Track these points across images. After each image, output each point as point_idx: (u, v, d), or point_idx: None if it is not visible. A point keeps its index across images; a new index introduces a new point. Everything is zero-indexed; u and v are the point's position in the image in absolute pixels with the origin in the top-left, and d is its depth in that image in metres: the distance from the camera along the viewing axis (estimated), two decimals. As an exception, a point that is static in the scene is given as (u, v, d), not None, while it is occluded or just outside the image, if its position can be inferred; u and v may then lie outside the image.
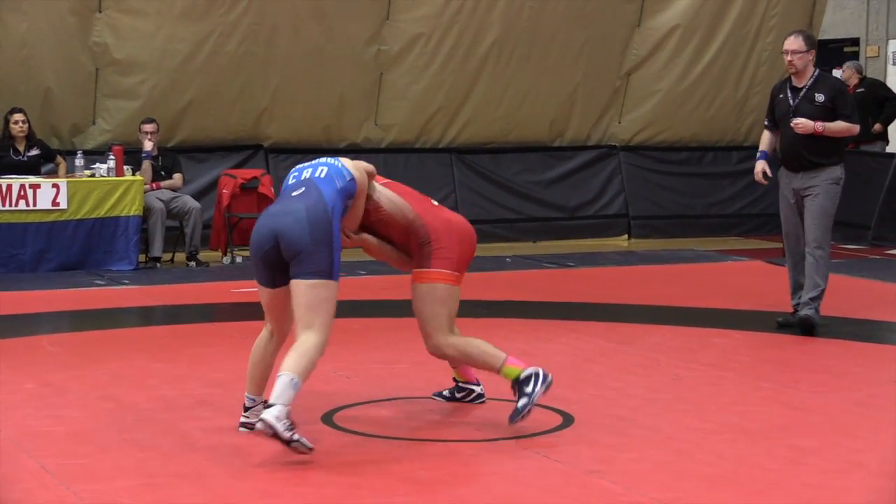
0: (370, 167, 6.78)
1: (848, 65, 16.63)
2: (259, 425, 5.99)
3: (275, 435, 5.98)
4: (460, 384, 7.29)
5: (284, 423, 5.98)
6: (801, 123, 9.39)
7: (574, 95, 15.84)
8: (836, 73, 19.15)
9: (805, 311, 9.44)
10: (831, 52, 19.08)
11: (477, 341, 6.79)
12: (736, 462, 6.22)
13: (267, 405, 6.05)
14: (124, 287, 11.78)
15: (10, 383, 7.82)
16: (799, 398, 7.56)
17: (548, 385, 6.69)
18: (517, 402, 6.66)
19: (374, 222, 6.81)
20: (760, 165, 9.88)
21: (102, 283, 11.98)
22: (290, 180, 6.58)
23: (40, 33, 13.65)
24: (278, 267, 6.32)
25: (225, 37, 14.22)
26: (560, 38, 15.52)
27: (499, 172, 15.73)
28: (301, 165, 6.67)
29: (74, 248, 12.66)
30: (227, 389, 7.53)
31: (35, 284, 11.79)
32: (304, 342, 6.16)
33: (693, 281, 12.57)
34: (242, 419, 6.68)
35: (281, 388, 6.02)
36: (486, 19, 15.17)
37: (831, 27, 18.44)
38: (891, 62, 18.24)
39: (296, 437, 6.01)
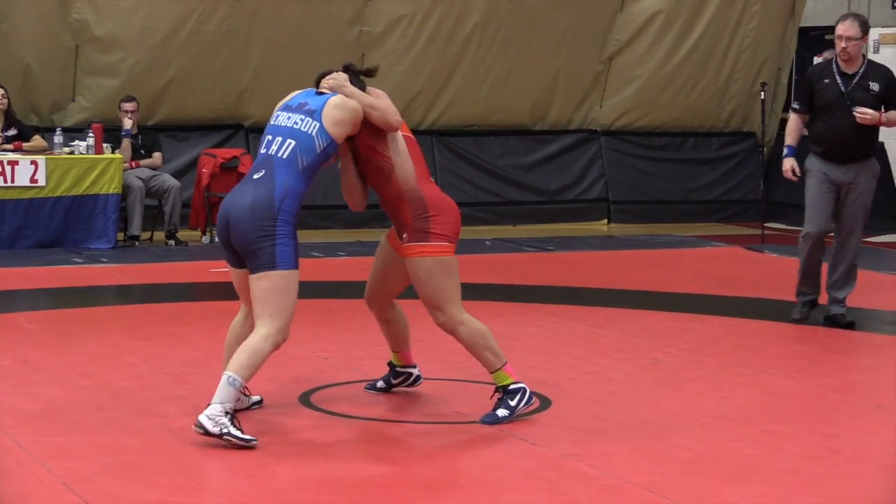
0: (374, 100, 6.49)
1: (831, 52, 16.60)
2: (193, 426, 6.02)
3: (207, 433, 5.99)
4: (398, 369, 7.12)
5: (216, 420, 5.99)
6: (871, 115, 9.01)
7: (556, 79, 15.83)
8: (817, 60, 19.18)
9: (844, 313, 9.25)
10: (812, 40, 19.07)
11: (488, 333, 6.61)
12: (713, 447, 6.23)
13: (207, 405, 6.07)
14: (102, 265, 11.73)
15: (-13, 360, 7.80)
16: (777, 384, 7.58)
17: (529, 404, 6.60)
18: (497, 408, 6.56)
19: (372, 167, 6.57)
20: (789, 163, 9.43)
21: (80, 261, 11.93)
22: (263, 147, 6.40)
23: (20, 9, 13.57)
24: (237, 251, 6.31)
25: (206, 15, 14.16)
26: (542, 22, 15.50)
27: (480, 155, 15.72)
28: (280, 120, 6.43)
29: (53, 226, 12.59)
30: (204, 369, 7.51)
31: (13, 262, 11.73)
32: (251, 338, 6.17)
33: (672, 266, 12.58)
34: None
35: (219, 388, 6.06)
36: (469, 2, 15.13)
37: (813, 14, 18.43)
38: (872, 50, 18.25)
39: (226, 430, 5.98)
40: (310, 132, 6.36)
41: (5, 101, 12.91)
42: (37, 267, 11.51)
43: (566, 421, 6.62)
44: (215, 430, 5.98)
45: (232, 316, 6.69)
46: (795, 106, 9.52)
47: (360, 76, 6.65)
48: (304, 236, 13.74)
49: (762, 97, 15.06)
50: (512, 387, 6.59)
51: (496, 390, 6.63)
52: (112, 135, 13.22)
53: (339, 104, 6.44)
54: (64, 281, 10.92)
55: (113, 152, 13.00)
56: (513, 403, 6.55)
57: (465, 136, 15.72)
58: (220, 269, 11.26)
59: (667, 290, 10.98)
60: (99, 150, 12.83)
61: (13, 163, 12.40)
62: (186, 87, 14.30)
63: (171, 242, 13.18)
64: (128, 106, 13.44)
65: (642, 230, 15.28)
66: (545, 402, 6.94)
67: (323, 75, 6.62)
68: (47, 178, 12.52)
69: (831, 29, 19.58)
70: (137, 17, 13.94)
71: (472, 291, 10.33)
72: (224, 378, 6.07)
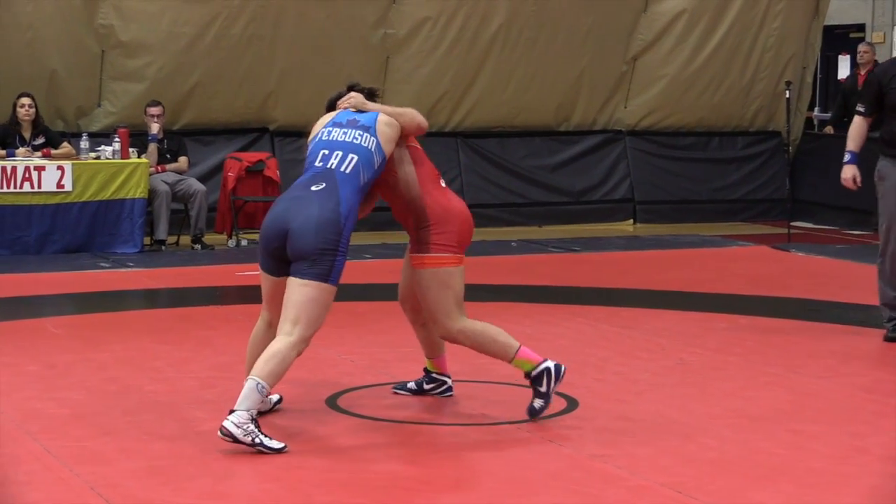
0: (400, 120, 6.56)
1: (865, 45, 16.46)
2: (219, 432, 5.99)
3: (235, 441, 5.96)
4: (433, 375, 7.11)
5: (245, 429, 5.96)
6: None
7: (580, 80, 15.82)
8: (843, 59, 19.14)
9: None
10: (837, 38, 19.04)
11: (489, 329, 6.63)
12: (740, 447, 6.21)
13: (231, 411, 6.04)
14: (129, 270, 11.77)
15: (15, 365, 7.83)
16: (803, 383, 7.55)
17: (560, 378, 6.60)
18: (533, 399, 6.59)
19: (379, 179, 6.56)
20: (851, 171, 8.87)
21: (107, 265, 11.97)
22: (318, 160, 6.38)
23: (46, 15, 13.64)
24: (285, 259, 6.27)
25: (231, 19, 14.20)
26: (566, 22, 15.49)
27: (505, 157, 15.71)
28: (334, 136, 6.44)
29: (79, 231, 12.64)
30: (231, 372, 7.52)
31: (40, 267, 11.79)
32: (276, 343, 6.15)
33: (698, 266, 12.56)
34: None
35: (245, 394, 6.02)
36: (493, 3, 15.15)
37: (837, 13, 18.41)
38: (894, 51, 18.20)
39: (258, 440, 5.97)
40: (369, 148, 6.41)
41: (32, 110, 12.91)
42: (64, 272, 11.56)
43: (593, 422, 6.62)
44: (246, 438, 5.95)
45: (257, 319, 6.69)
46: (860, 109, 8.93)
47: (372, 94, 6.71)
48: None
49: (787, 96, 15.02)
50: (535, 373, 6.58)
51: (525, 377, 6.64)
52: (138, 139, 13.27)
53: (388, 122, 6.52)
54: (91, 285, 10.97)
55: (139, 157, 13.05)
56: (543, 389, 6.57)
57: (490, 137, 15.72)
58: (246, 273, 11.33)
59: (693, 289, 10.96)
60: (125, 155, 12.88)
61: (40, 168, 12.46)
62: (212, 90, 14.34)
63: (197, 246, 13.21)
64: (153, 110, 13.48)
65: (668, 230, 15.25)
66: (572, 403, 6.93)
67: (335, 99, 6.71)
68: (74, 184, 12.58)
69: (855, 27, 19.60)
70: (163, 22, 13.99)
71: (498, 293, 10.37)
72: (251, 384, 6.03)
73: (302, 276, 6.16)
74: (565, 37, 15.55)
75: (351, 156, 6.37)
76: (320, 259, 6.14)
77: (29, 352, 8.23)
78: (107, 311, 9.92)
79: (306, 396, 7.08)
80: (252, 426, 5.98)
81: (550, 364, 6.60)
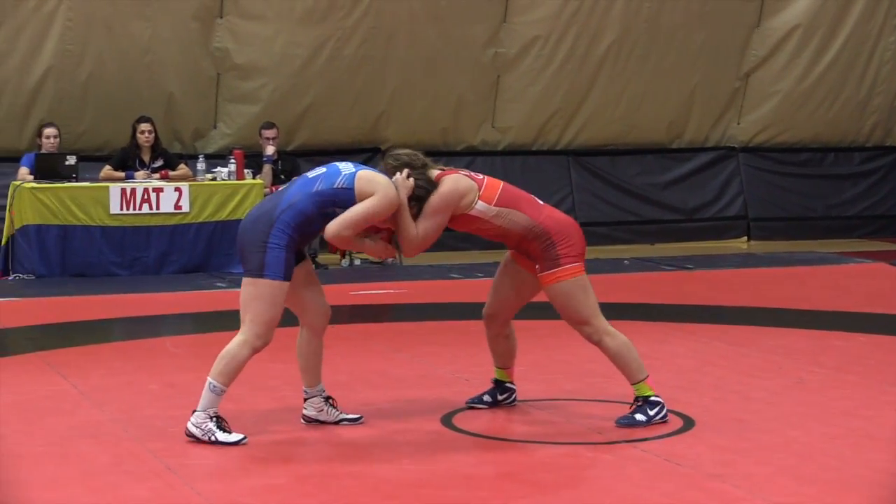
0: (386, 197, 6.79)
1: None
2: (185, 433, 6.46)
3: (197, 440, 6.41)
4: (505, 385, 7.30)
5: (202, 428, 6.43)
6: None
7: (692, 96, 15.74)
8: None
9: None
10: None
11: (632, 346, 6.91)
12: (860, 467, 6.13)
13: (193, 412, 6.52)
14: (245, 289, 11.87)
15: (136, 384, 7.95)
16: (925, 403, 7.44)
17: (663, 422, 6.83)
18: (635, 412, 6.82)
19: (487, 234, 6.91)
20: None
21: (224, 285, 12.12)
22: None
23: (163, 39, 13.87)
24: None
25: (343, 41, 14.33)
26: (678, 38, 15.43)
27: (616, 174, 15.67)
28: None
29: (197, 251, 12.83)
30: (346, 391, 7.58)
31: (158, 287, 11.97)
32: (230, 343, 6.55)
33: (814, 283, 12.41)
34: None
35: (202, 395, 6.50)
36: (604, 20, 15.13)
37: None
38: None
39: (213, 437, 6.41)
40: (341, 171, 7.21)
41: (152, 135, 13.12)
42: (182, 291, 11.72)
43: (710, 441, 6.57)
44: (204, 437, 6.41)
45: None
46: None
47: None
48: (443, 258, 13.83)
49: (904, 110, 14.83)
50: (653, 398, 6.85)
51: (636, 400, 6.86)
52: (253, 160, 13.44)
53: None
54: (208, 305, 11.10)
55: (254, 178, 13.21)
56: (651, 413, 6.81)
57: (601, 155, 15.68)
58: (360, 293, 11.37)
59: (809, 307, 10.83)
60: (240, 176, 13.04)
61: (158, 190, 12.66)
62: (324, 111, 14.48)
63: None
64: (268, 133, 13.64)
65: (783, 247, 15.11)
66: (688, 423, 6.89)
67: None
68: (191, 205, 12.76)
69: (975, 39, 19.13)
70: (276, 45, 14.16)
71: (611, 310, 10.27)
72: (207, 384, 6.49)
73: (244, 275, 6.56)
74: (677, 53, 15.48)
75: (323, 169, 7.05)
76: (250, 252, 6.50)
77: (149, 371, 8.36)
78: (224, 331, 9.98)
79: (421, 414, 7.10)
80: (209, 424, 6.41)
81: (664, 403, 6.87)
